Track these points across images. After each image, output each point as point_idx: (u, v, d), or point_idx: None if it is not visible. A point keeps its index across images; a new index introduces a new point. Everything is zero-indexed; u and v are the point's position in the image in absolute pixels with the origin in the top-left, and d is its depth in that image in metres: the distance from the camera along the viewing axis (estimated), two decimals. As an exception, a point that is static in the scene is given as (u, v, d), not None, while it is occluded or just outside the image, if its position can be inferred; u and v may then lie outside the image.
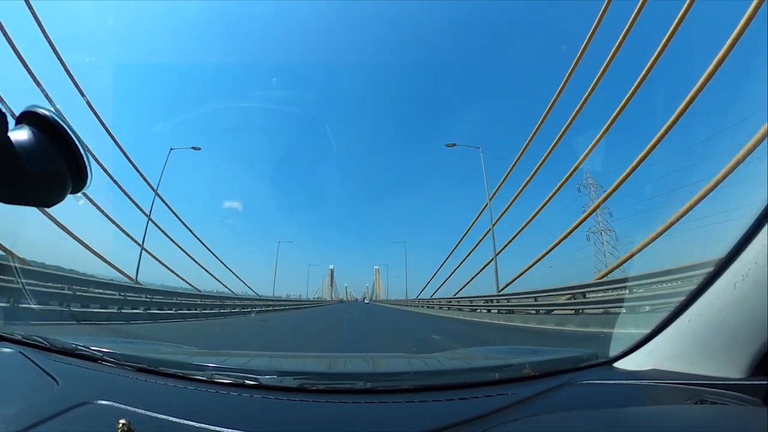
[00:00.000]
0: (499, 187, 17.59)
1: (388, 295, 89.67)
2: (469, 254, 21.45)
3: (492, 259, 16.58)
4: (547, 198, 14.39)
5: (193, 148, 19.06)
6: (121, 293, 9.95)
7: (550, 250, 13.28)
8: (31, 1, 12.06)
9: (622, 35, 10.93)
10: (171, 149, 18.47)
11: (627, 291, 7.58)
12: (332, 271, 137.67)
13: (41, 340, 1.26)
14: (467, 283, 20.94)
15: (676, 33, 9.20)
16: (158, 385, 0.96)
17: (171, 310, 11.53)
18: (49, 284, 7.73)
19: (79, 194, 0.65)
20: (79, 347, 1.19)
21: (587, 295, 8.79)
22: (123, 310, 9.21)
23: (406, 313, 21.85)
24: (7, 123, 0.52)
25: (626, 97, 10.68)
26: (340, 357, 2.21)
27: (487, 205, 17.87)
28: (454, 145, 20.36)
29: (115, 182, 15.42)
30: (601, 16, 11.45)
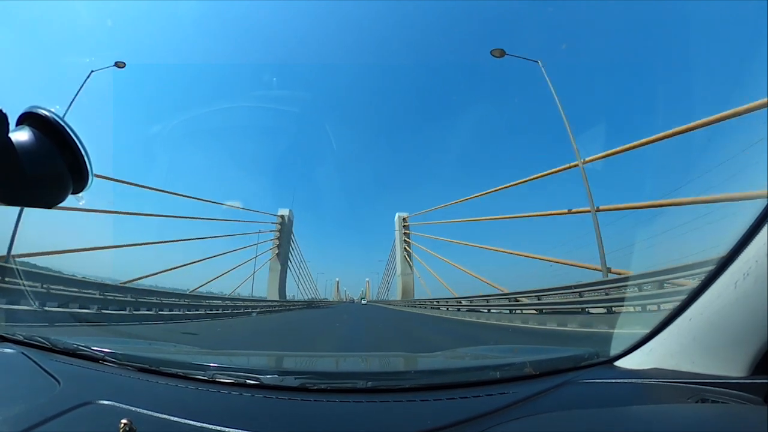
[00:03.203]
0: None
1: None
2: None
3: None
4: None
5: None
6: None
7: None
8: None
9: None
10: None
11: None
12: (285, 219, 41.68)
13: (43, 340, 1.27)
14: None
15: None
16: (160, 384, 0.96)
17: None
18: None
19: (80, 194, 0.66)
20: (80, 347, 1.19)
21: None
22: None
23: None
24: (7, 124, 0.52)
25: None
26: (341, 356, 2.22)
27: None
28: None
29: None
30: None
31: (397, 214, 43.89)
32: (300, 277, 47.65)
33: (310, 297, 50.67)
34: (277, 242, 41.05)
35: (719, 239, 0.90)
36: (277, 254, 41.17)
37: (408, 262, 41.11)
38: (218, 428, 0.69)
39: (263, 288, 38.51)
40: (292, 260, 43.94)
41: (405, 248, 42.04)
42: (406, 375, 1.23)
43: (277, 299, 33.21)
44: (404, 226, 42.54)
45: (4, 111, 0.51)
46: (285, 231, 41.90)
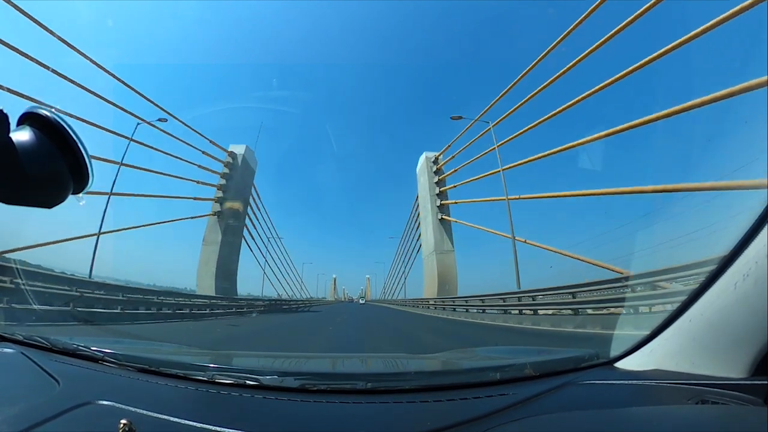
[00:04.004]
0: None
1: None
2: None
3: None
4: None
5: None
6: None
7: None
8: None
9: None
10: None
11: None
12: (238, 159, 23.83)
13: (42, 340, 1.27)
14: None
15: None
16: (159, 385, 0.96)
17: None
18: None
19: (81, 195, 0.66)
20: (80, 348, 1.19)
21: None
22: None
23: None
24: (8, 124, 0.52)
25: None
26: (340, 357, 2.22)
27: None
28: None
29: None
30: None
31: (423, 155, 26.00)
32: (269, 261, 29.13)
33: (288, 294, 33.97)
34: (219, 194, 22.56)
35: (719, 240, 0.90)
36: (217, 216, 22.31)
37: (446, 225, 23.07)
38: (218, 429, 0.69)
39: (190, 276, 21.97)
40: (252, 232, 26.32)
41: (440, 204, 23.32)
42: (406, 376, 1.23)
43: (213, 294, 19.18)
44: (435, 171, 24.43)
45: (4, 111, 0.51)
46: (238, 181, 23.73)
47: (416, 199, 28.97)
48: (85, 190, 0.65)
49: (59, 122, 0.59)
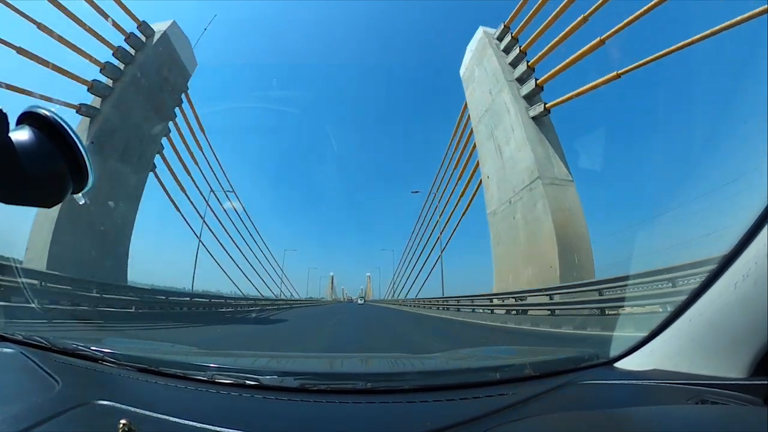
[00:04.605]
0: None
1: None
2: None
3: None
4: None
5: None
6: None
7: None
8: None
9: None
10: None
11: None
12: (152, 40, 12.27)
13: (42, 340, 1.27)
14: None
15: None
16: (159, 385, 0.96)
17: (170, 309, 11.54)
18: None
19: (80, 194, 0.65)
20: (79, 347, 1.19)
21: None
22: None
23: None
24: (7, 123, 0.52)
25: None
26: (340, 357, 2.22)
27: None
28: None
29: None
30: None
31: (479, 31, 16.88)
32: (218, 235, 20.40)
33: (260, 293, 24.95)
34: (109, 82, 13.35)
35: (719, 240, 0.90)
36: (90, 119, 12.63)
37: (548, 130, 12.93)
38: (217, 429, 0.69)
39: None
40: (181, 178, 16.97)
41: (534, 87, 13.04)
42: (406, 376, 1.23)
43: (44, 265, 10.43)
44: (506, 48, 15.15)
45: (4, 110, 0.51)
46: (150, 75, 14.45)
47: (461, 117, 18.51)
48: (85, 190, 0.65)
49: (59, 122, 0.59)
